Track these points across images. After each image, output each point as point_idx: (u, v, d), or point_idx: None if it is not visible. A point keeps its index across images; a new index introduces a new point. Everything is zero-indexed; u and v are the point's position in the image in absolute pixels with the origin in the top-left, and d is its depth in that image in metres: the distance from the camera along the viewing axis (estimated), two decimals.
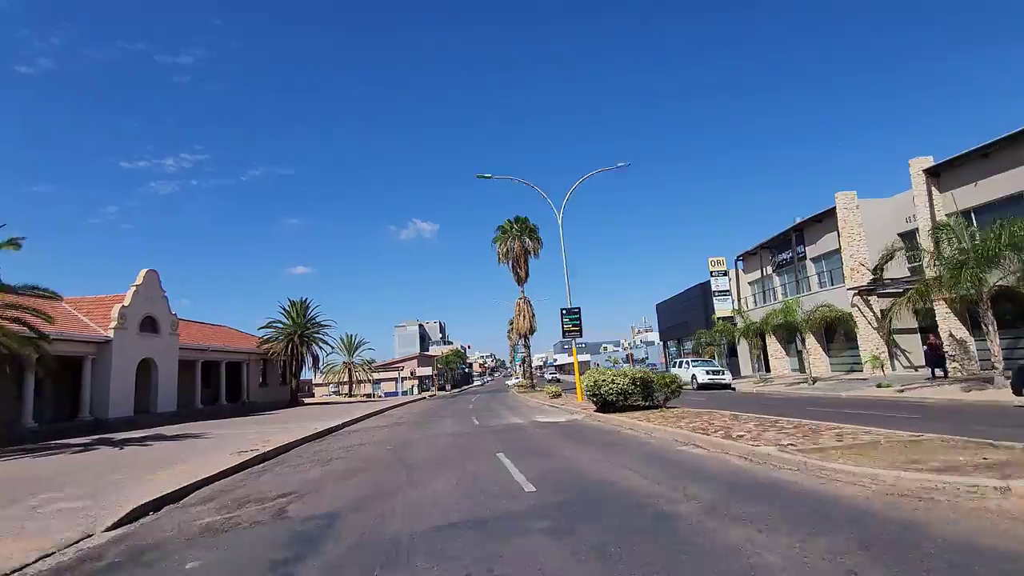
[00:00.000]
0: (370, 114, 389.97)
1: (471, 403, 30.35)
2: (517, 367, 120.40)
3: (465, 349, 76.30)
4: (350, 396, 51.76)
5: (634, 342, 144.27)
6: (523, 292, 37.36)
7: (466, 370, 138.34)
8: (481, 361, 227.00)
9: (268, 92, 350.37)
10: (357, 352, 52.86)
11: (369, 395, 54.72)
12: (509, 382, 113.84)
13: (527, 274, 36.90)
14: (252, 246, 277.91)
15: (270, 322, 37.25)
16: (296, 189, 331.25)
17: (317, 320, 39.19)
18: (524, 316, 36.45)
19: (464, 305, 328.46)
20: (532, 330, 36.84)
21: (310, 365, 39.14)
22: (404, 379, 65.89)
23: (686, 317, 45.43)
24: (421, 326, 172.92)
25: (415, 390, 55.29)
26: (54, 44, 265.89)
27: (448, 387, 75.02)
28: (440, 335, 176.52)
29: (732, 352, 37.21)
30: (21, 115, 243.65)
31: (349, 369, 51.62)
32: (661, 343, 55.27)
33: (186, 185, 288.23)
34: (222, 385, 32.14)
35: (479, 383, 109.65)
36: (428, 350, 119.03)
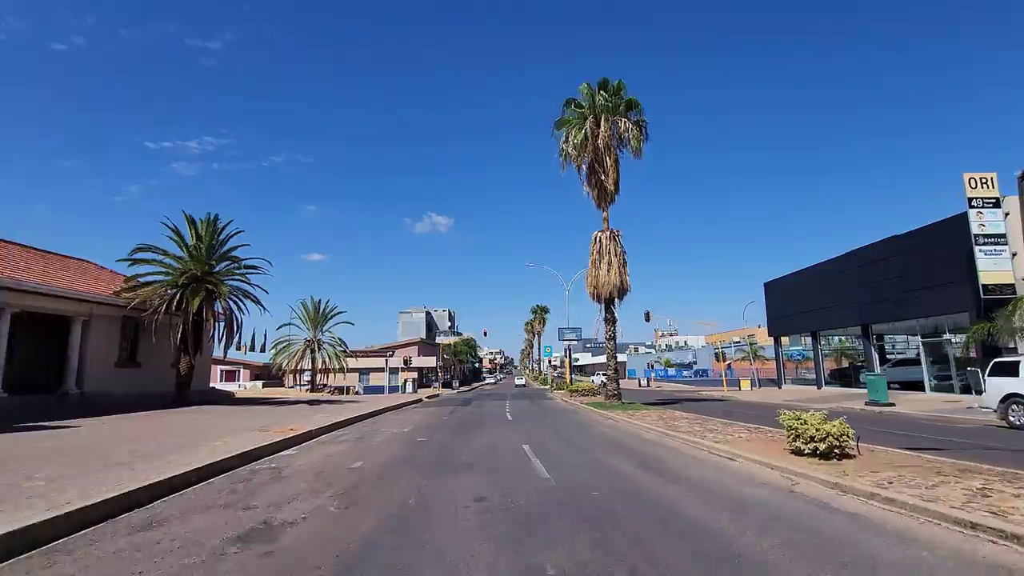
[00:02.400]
0: (393, 103, 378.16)
1: (514, 425, 13.79)
2: (544, 363, 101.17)
3: (483, 336, 58.84)
4: (313, 391, 35.08)
5: (658, 345, 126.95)
6: (607, 219, 20.30)
7: (476, 365, 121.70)
8: (491, 357, 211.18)
9: (294, 80, 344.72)
10: (326, 326, 36.19)
11: (342, 390, 37.93)
12: (518, 381, 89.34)
13: (617, 186, 19.85)
14: (269, 230, 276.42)
15: (137, 248, 20.51)
16: (315, 176, 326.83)
17: (234, 253, 22.46)
18: (610, 262, 19.30)
19: (476, 301, 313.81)
20: (624, 289, 19.64)
21: (224, 334, 22.40)
22: (399, 370, 49.24)
23: (846, 295, 28.07)
24: (428, 313, 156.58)
25: (409, 386, 38.37)
26: (89, 23, 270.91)
27: (455, 383, 58.24)
28: (449, 324, 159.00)
29: (987, 351, 19.45)
30: (52, 90, 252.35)
31: (312, 351, 34.92)
32: (772, 339, 38.05)
33: (208, 168, 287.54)
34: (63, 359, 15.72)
35: (491, 380, 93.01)
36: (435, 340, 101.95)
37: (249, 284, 22.61)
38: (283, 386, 41.82)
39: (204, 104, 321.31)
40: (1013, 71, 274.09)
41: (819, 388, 31.17)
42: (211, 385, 29.15)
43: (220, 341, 22.47)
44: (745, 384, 38.79)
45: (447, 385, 60.02)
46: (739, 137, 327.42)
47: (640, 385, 55.82)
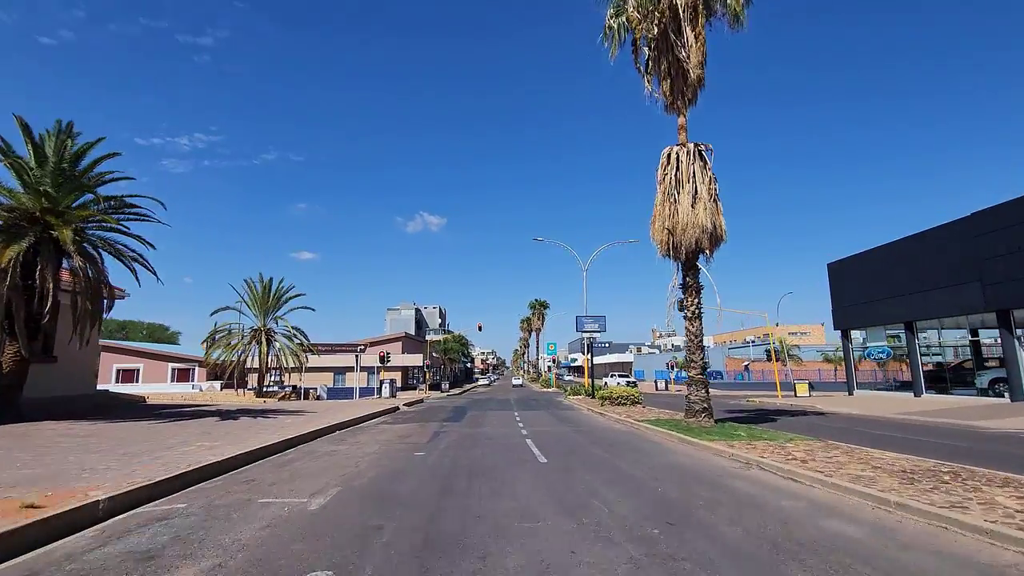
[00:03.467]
0: (384, 105, 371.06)
1: (567, 486, 5.72)
2: (544, 362, 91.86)
3: (478, 331, 50.73)
4: (262, 395, 27.20)
5: (660, 346, 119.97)
6: (686, 128, 12.70)
7: (468, 365, 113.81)
8: (483, 357, 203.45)
9: (287, 77, 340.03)
10: (279, 311, 28.34)
11: (302, 393, 30.05)
12: (515, 381, 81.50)
13: (703, 71, 12.35)
14: (258, 228, 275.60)
15: None
16: (307, 174, 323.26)
17: (105, 189, 14.53)
18: (695, 194, 11.64)
19: (467, 301, 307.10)
20: (718, 237, 12.01)
21: (84, 309, 14.46)
22: (376, 369, 41.42)
23: (963, 272, 20.80)
24: (418, 310, 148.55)
25: (386, 389, 30.47)
26: (77, 16, 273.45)
27: (445, 385, 50.43)
28: (440, 323, 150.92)
29: None
30: (39, 85, 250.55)
31: (259, 343, 27.04)
32: (840, 334, 30.68)
33: (199, 165, 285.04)
34: None
35: (484, 382, 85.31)
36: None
37: (128, 233, 14.73)
38: (247, 387, 33.77)
39: (195, 100, 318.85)
40: None
41: (917, 396, 23.92)
42: (107, 387, 21.19)
43: (88, 322, 14.49)
44: (803, 388, 31.54)
45: (435, 387, 52.20)
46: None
47: (657, 389, 48.75)
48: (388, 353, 31.72)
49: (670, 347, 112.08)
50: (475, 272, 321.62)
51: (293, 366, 28.55)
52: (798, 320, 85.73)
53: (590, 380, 27.72)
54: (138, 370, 37.84)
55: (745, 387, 46.69)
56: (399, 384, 51.47)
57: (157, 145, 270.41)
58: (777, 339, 52.69)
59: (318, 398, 28.90)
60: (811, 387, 32.48)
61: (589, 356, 27.44)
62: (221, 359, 26.89)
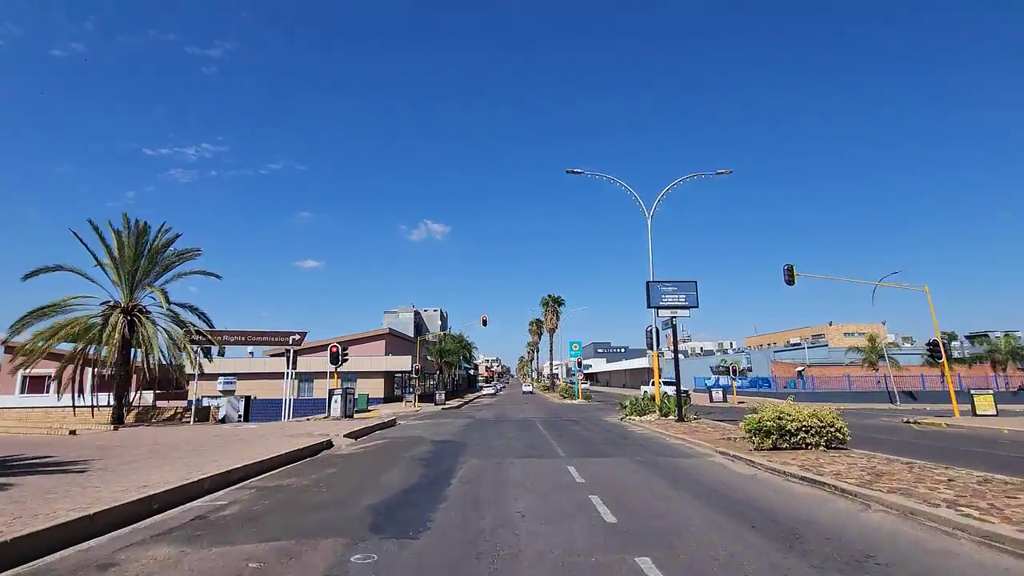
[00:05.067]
0: (388, 114, 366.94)
1: None
2: (562, 367, 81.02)
3: (482, 325, 38.17)
4: (119, 412, 15.95)
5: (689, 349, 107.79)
6: None
7: (471, 372, 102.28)
8: (488, 364, 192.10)
9: (293, 88, 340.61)
10: (161, 279, 17.17)
11: (199, 409, 18.80)
12: (525, 388, 76.36)
13: None
14: (263, 237, 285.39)
15: None
16: (311, 184, 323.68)
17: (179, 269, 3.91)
18: None
19: (471, 307, 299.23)
20: None
21: None
22: (332, 373, 30.26)
23: None
24: (417, 313, 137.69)
25: (338, 406, 18.99)
26: (87, 29, 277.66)
27: (440, 396, 38.75)
28: (441, 326, 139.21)
29: None
30: (50, 96, 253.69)
31: (122, 328, 15.83)
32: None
33: (205, 175, 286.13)
34: None
35: (490, 391, 73.93)
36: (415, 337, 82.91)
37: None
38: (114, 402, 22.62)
39: (203, 111, 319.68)
40: None
41: None
42: None
43: None
44: (985, 403, 20.21)
45: (428, 398, 40.91)
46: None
47: (712, 400, 37.63)
48: (345, 351, 20.44)
49: (699, 351, 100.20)
50: (479, 280, 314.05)
51: (188, 367, 17.47)
52: (855, 319, 73.84)
53: (669, 392, 16.56)
54: None
55: (819, 398, 35.36)
56: (382, 395, 40.34)
57: (165, 155, 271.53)
58: (869, 335, 41.01)
59: (221, 420, 17.72)
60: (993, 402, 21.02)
61: (673, 348, 16.20)
62: (35, 348, 15.72)
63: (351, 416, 18.79)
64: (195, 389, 20.02)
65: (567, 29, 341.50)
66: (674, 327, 16.01)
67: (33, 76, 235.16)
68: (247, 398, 19.81)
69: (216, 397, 19.77)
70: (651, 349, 18.19)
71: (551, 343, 69.18)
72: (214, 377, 21.32)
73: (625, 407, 18.57)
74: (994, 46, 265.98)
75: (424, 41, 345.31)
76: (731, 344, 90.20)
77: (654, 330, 17.96)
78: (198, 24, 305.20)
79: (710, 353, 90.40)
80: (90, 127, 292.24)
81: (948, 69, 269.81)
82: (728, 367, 55.03)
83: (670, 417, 16.18)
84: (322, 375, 39.66)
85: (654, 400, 18.07)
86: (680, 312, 15.76)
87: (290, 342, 18.37)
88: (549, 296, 68.97)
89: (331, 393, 19.05)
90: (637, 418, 17.17)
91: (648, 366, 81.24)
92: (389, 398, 40.04)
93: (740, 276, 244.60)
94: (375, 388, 39.27)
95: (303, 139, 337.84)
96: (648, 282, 15.99)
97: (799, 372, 63.65)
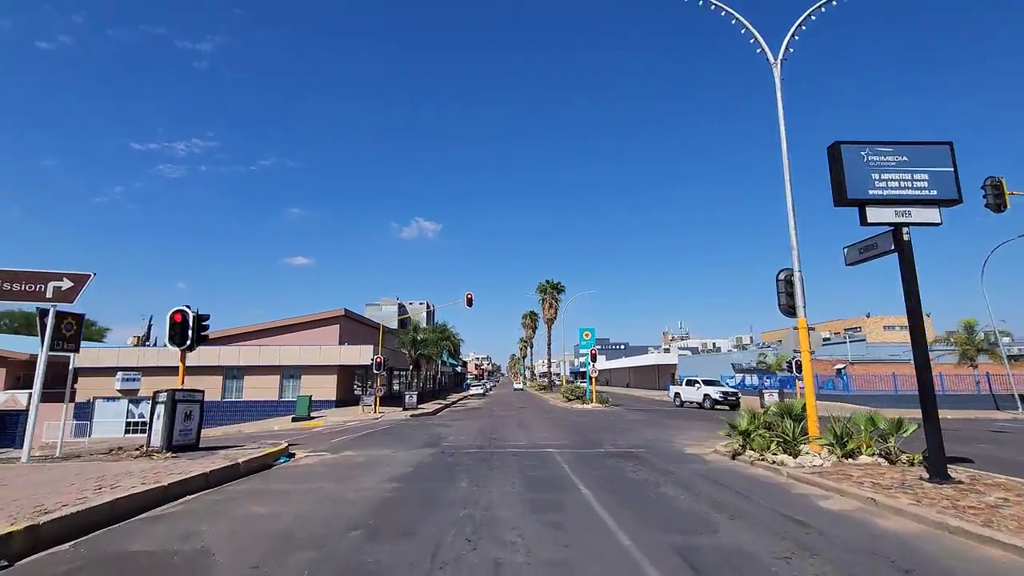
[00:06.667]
0: (380, 112, 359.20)
1: None
2: (564, 365, 76.86)
3: (467, 305, 27.88)
4: None
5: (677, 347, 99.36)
6: None
7: (459, 369, 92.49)
8: (477, 361, 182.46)
9: (285, 84, 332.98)
10: None
11: None
12: (516, 385, 75.95)
13: None
14: (253, 234, 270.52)
15: None
16: (303, 180, 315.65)
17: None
18: None
19: (464, 307, 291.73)
20: None
21: None
22: (294, 373, 20.57)
23: None
24: (401, 305, 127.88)
25: (160, 423, 9.62)
26: (76, 22, 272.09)
27: (412, 397, 29.02)
28: (427, 320, 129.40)
29: None
30: (37, 89, 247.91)
31: None
32: None
33: (195, 170, 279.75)
34: None
35: (478, 390, 64.28)
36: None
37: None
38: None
39: (193, 106, 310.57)
40: None
41: None
42: None
43: None
44: None
45: (394, 400, 31.46)
46: None
47: (763, 405, 28.40)
48: (205, 323, 11.01)
49: (711, 347, 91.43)
50: (470, 277, 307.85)
51: None
52: (892, 311, 65.25)
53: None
54: None
55: (877, 400, 26.46)
56: (335, 396, 30.62)
57: (154, 150, 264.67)
58: (965, 323, 32.00)
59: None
60: None
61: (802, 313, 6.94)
62: None
63: (179, 447, 9.41)
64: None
65: (567, 29, 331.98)
66: (908, 248, 6.77)
67: (17, 68, 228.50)
68: None
69: None
70: (791, 313, 8.94)
71: (549, 336, 59.74)
72: None
73: (739, 429, 9.36)
74: None
75: (417, 40, 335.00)
76: (750, 339, 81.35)
77: (797, 275, 8.81)
78: (189, 19, 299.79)
79: (717, 350, 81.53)
80: (76, 120, 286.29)
81: None
82: (766, 364, 45.74)
83: (897, 467, 6.98)
84: (266, 370, 30.13)
85: (801, 419, 8.89)
86: (923, 212, 6.58)
87: (48, 293, 8.76)
88: (547, 282, 59.57)
89: (155, 401, 9.63)
90: (780, 458, 8.01)
91: (661, 363, 71.81)
92: (345, 400, 30.56)
93: (739, 273, 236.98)
94: (326, 387, 29.74)
95: (294, 136, 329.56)
96: (839, 143, 6.75)
97: (838, 370, 54.50)
